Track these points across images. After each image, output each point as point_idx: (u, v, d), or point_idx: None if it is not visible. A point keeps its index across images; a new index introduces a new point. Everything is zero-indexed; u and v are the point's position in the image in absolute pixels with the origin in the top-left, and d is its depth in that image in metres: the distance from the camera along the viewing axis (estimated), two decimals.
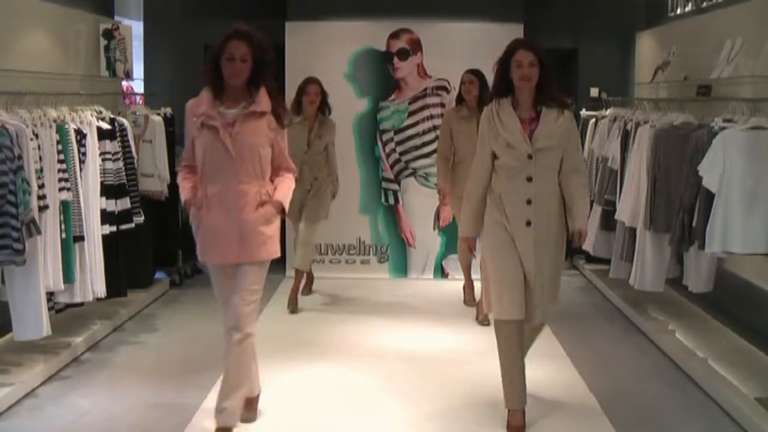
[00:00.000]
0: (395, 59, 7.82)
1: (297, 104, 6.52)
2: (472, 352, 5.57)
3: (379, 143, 7.88)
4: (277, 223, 4.09)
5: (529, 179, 4.15)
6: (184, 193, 4.09)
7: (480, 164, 4.28)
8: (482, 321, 6.12)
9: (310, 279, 7.25)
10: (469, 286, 6.79)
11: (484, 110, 4.31)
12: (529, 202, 4.15)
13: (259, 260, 4.01)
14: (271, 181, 4.10)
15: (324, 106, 6.59)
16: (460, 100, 6.41)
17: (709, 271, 5.22)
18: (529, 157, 4.14)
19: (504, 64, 4.19)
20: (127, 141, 5.96)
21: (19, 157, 4.48)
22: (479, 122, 4.36)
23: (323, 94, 6.57)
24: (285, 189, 4.11)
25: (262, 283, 4.08)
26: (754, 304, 5.41)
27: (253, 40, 3.93)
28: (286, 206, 4.10)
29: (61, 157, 5.03)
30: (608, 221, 6.68)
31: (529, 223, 4.15)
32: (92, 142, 5.46)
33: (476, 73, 6.29)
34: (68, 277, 5.06)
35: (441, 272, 7.92)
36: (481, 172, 4.28)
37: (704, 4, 6.32)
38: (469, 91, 6.28)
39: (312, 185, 6.55)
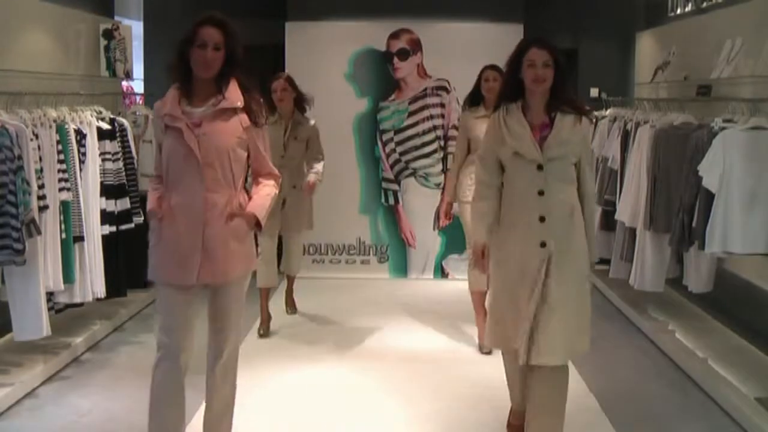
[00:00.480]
0: (395, 59, 7.82)
1: (272, 106, 5.80)
2: (472, 352, 5.57)
3: (379, 143, 7.88)
4: (250, 237, 3.60)
5: (541, 193, 3.63)
6: (149, 203, 3.56)
7: (487, 177, 3.82)
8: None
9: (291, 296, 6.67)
10: (483, 324, 5.61)
11: (491, 117, 3.84)
12: (542, 219, 3.62)
13: (230, 279, 3.53)
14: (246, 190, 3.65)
15: (301, 103, 5.95)
16: (475, 100, 5.67)
17: (709, 271, 5.22)
18: (539, 167, 3.64)
19: (514, 64, 3.72)
20: (127, 141, 5.96)
21: (19, 157, 4.48)
22: None
23: (296, 91, 5.89)
24: (261, 199, 3.59)
25: (243, 302, 3.68)
26: (754, 304, 5.41)
27: (228, 28, 3.48)
28: (263, 219, 3.56)
29: (61, 157, 5.03)
30: (608, 221, 6.68)
31: (543, 245, 3.61)
32: (92, 142, 5.46)
33: (499, 70, 5.86)
34: (68, 277, 5.06)
35: (441, 272, 7.91)
36: (489, 185, 3.80)
37: (704, 4, 6.31)
38: (492, 89, 5.55)
39: (289, 195, 5.83)
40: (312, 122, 6.02)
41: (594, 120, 3.76)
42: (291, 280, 6.60)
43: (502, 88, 3.90)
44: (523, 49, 3.70)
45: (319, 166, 5.97)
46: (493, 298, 3.85)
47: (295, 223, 6.03)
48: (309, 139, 5.96)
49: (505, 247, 3.74)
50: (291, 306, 6.62)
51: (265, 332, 5.98)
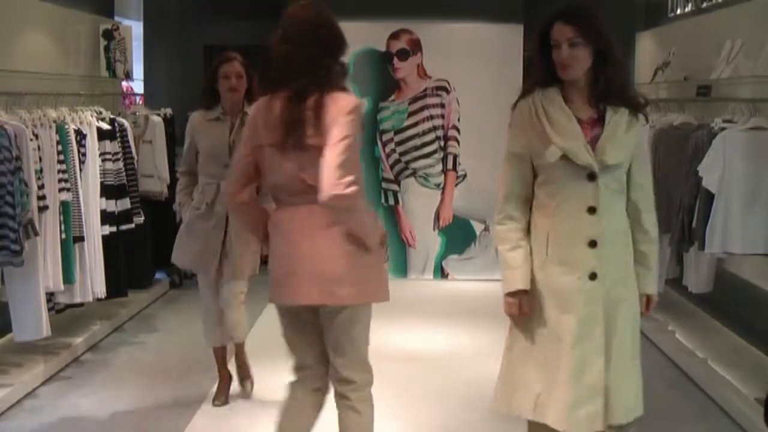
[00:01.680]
0: (395, 59, 7.81)
1: (210, 93, 4.39)
2: (473, 353, 5.57)
3: (379, 144, 7.88)
4: None
5: (592, 210, 2.84)
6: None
7: (519, 188, 2.96)
8: None
9: (244, 366, 4.73)
10: None
11: (518, 105, 2.96)
12: (593, 244, 2.84)
13: None
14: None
15: (251, 94, 4.32)
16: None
17: (709, 271, 5.21)
18: (591, 177, 2.84)
19: (541, 46, 2.90)
20: (127, 141, 5.96)
21: (18, 158, 4.48)
22: None
23: (249, 78, 4.35)
24: None
25: None
26: (754, 304, 5.41)
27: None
28: None
29: (61, 157, 5.03)
30: None
31: (594, 276, 2.84)
32: (92, 142, 5.46)
33: None
34: (68, 277, 5.06)
35: (441, 272, 7.91)
36: (521, 198, 2.96)
37: (704, 5, 6.31)
38: None
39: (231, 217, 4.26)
40: None
41: (648, 118, 3.03)
42: (239, 347, 4.69)
43: (534, 73, 3.00)
44: (546, 27, 2.88)
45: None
46: (518, 349, 3.00)
47: (239, 264, 4.35)
48: None
49: (537, 278, 2.93)
50: (223, 396, 4.59)
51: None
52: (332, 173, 2.85)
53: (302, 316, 3.11)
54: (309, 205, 2.94)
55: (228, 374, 4.65)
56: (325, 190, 2.84)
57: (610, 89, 2.86)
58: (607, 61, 2.83)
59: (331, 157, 2.87)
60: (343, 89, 3.02)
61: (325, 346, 3.15)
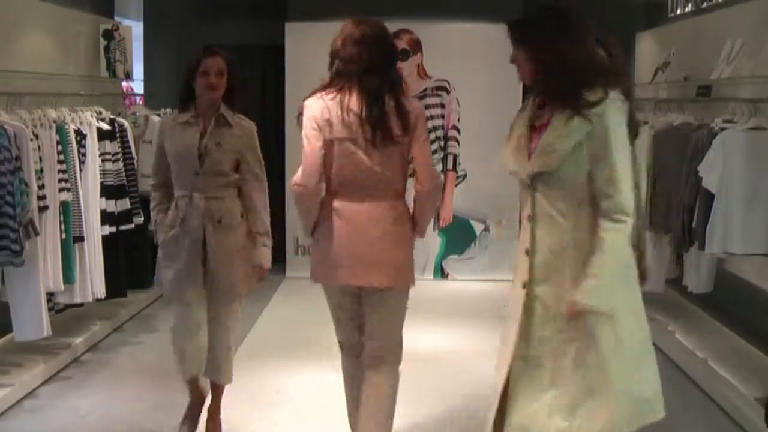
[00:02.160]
0: None
1: (186, 92, 3.89)
2: (473, 353, 5.57)
3: None
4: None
5: (529, 218, 2.78)
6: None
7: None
8: None
9: (216, 412, 4.09)
10: None
11: None
12: (527, 253, 2.78)
13: None
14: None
15: (231, 96, 3.88)
16: None
17: (709, 271, 5.22)
18: (528, 185, 2.78)
19: None
20: (127, 142, 5.97)
21: (17, 158, 4.48)
22: None
23: (231, 77, 3.86)
24: None
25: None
26: (754, 304, 5.41)
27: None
28: None
29: (61, 157, 5.03)
30: None
31: (525, 285, 2.78)
32: (92, 142, 5.46)
33: None
34: (68, 277, 5.06)
35: (441, 273, 7.91)
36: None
37: (704, 5, 6.31)
38: None
39: (213, 237, 3.80)
40: (247, 123, 3.92)
41: (589, 117, 2.68)
42: (218, 391, 4.07)
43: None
44: None
45: (263, 220, 3.92)
46: None
47: (227, 286, 3.88)
48: (242, 151, 3.85)
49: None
50: None
51: None
52: (429, 167, 3.42)
53: (350, 296, 3.48)
54: (376, 198, 3.31)
55: (201, 396, 4.09)
56: (428, 181, 3.37)
57: (554, 95, 2.74)
58: (545, 65, 2.74)
59: (426, 153, 3.42)
60: (404, 92, 3.43)
61: (360, 325, 3.54)
